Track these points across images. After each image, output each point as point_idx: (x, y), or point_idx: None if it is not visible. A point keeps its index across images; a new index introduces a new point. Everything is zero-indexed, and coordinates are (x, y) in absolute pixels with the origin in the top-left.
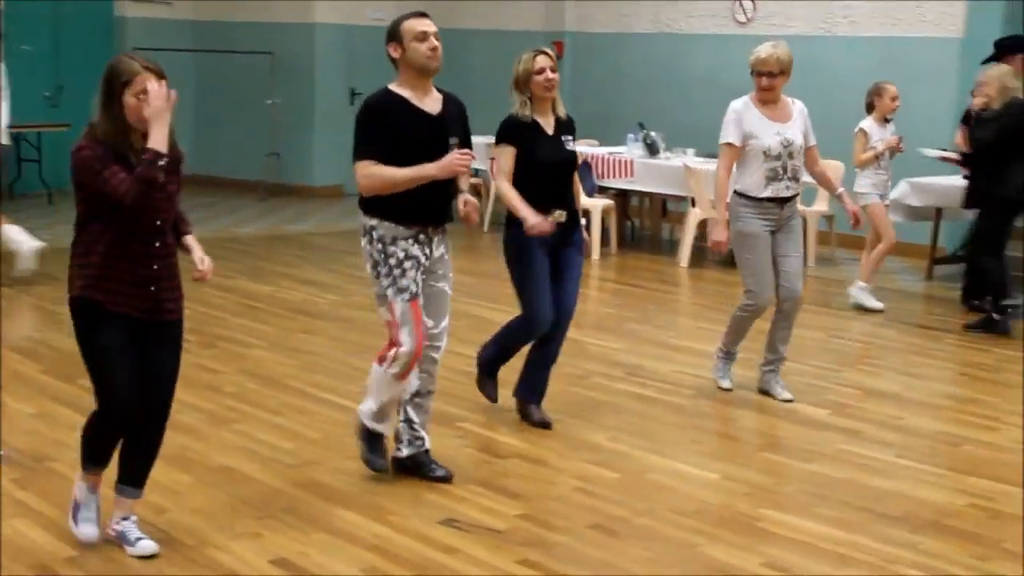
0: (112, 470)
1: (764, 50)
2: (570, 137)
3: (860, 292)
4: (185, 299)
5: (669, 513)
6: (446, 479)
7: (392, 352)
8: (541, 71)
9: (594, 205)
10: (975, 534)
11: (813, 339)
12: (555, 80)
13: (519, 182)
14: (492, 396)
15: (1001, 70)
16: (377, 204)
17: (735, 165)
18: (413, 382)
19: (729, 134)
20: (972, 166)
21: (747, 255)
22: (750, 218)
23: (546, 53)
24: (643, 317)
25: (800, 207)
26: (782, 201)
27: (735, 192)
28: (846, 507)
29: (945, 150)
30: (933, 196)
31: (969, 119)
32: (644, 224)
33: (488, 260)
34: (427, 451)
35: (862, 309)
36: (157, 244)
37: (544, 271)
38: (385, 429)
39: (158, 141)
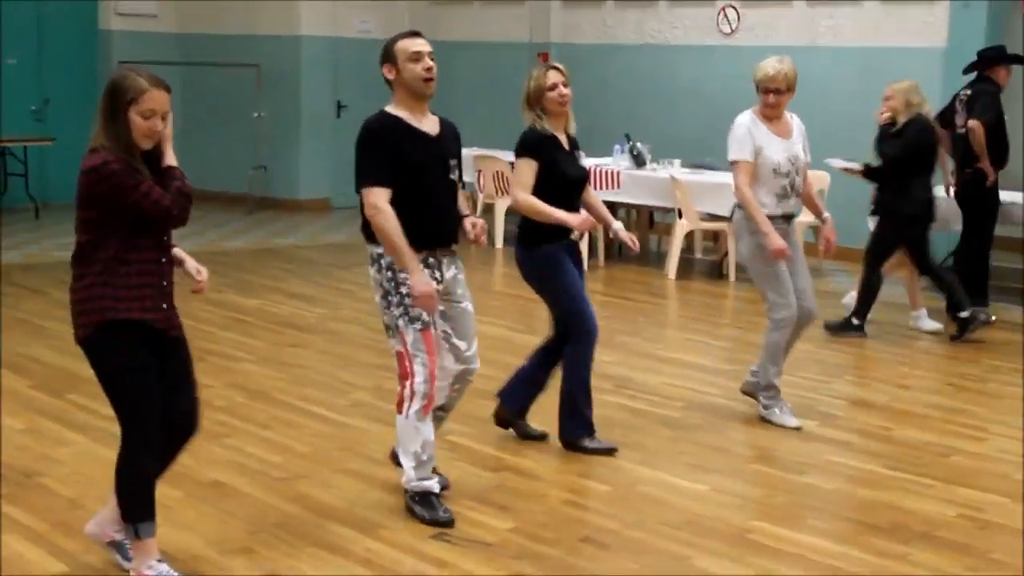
0: (106, 485)
1: (771, 66)
2: (580, 153)
3: (920, 320)
4: None
5: (660, 525)
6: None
7: (407, 389)
8: (554, 87)
9: None
10: (965, 544)
11: (801, 351)
12: (568, 95)
13: (538, 196)
14: (597, 446)
15: (906, 84)
16: None
17: None
18: (439, 396)
19: (743, 150)
20: (878, 179)
21: (765, 268)
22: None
23: (558, 69)
24: (632, 329)
25: None
26: (789, 217)
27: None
28: (836, 518)
29: (853, 160)
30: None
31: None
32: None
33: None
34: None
35: (927, 333)
36: (164, 260)
37: (579, 279)
38: (432, 483)
39: (173, 157)
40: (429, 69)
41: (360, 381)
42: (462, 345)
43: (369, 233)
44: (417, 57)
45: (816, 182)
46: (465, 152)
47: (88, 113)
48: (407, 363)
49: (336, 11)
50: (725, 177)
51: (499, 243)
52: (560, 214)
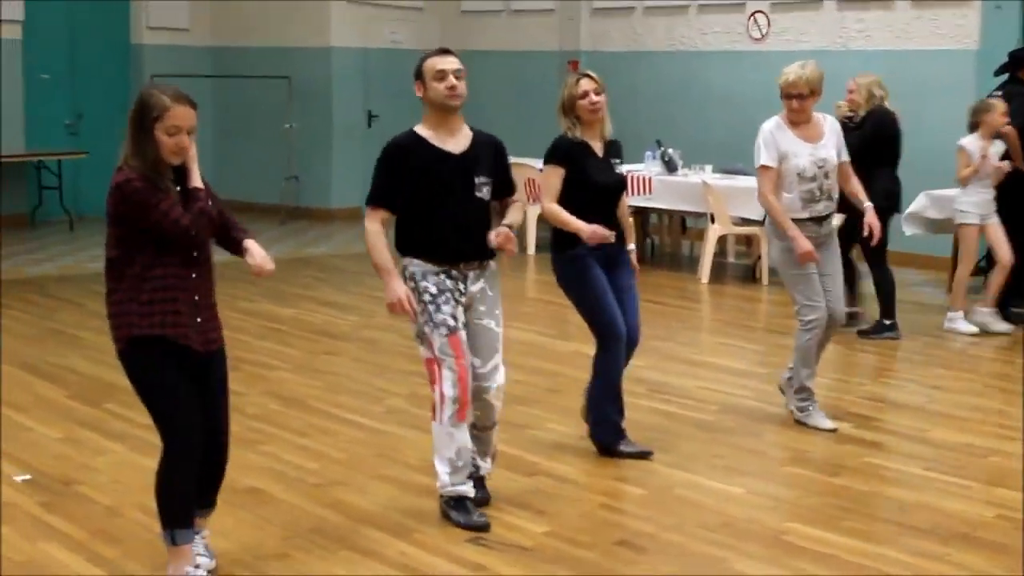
0: (143, 493)
1: (793, 72)
2: (618, 160)
3: (955, 321)
4: None
5: (695, 528)
6: (478, 503)
7: (437, 395)
8: (584, 95)
9: None
10: (1004, 545)
11: (834, 352)
12: (600, 103)
13: (567, 203)
14: (632, 450)
15: (870, 78)
16: (407, 242)
17: None
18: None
19: (765, 156)
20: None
21: (794, 271)
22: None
23: (590, 76)
24: (666, 334)
25: None
26: (821, 219)
27: None
28: (872, 520)
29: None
30: (953, 208)
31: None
32: (664, 241)
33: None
34: (478, 476)
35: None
36: (194, 275)
37: (606, 284)
38: (467, 488)
39: (198, 178)
40: (452, 88)
41: (395, 388)
42: (476, 362)
43: (397, 244)
44: (442, 76)
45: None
46: None
47: (121, 127)
48: (436, 368)
49: (367, 22)
50: (756, 182)
51: (531, 250)
52: (575, 223)
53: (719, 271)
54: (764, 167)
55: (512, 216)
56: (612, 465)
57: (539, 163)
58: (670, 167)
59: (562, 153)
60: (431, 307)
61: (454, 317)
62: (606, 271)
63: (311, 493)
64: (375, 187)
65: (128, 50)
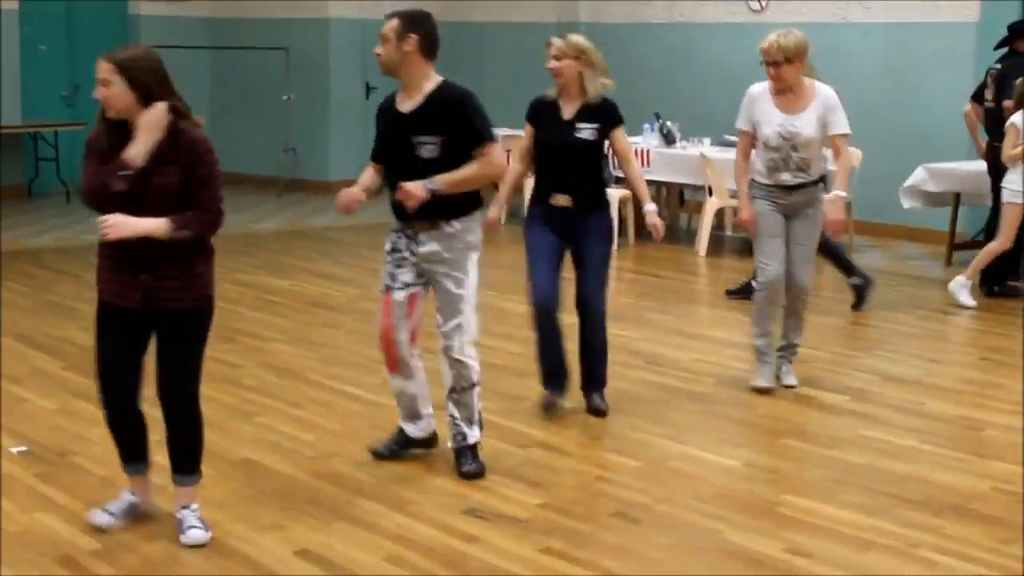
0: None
1: (768, 39)
2: (593, 125)
3: (960, 288)
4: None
5: (690, 500)
6: (468, 475)
7: None
8: (548, 60)
9: (611, 195)
10: (999, 518)
11: (832, 325)
12: (557, 68)
13: (533, 162)
14: (547, 401)
15: None
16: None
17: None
18: (445, 378)
19: (740, 120)
20: None
21: (756, 232)
22: (759, 199)
23: (554, 42)
24: (662, 306)
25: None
26: (788, 188)
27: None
28: (868, 492)
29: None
30: (951, 181)
31: None
32: (661, 214)
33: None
34: (469, 446)
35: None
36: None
37: (542, 247)
38: (411, 429)
39: (133, 147)
40: (377, 53)
41: None
42: (439, 320)
43: None
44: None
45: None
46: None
47: None
48: None
49: None
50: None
51: None
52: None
53: (716, 244)
54: (739, 130)
55: (456, 172)
56: (607, 437)
57: None
58: (668, 139)
59: (530, 110)
60: (384, 261)
61: (392, 276)
62: (574, 239)
63: (306, 464)
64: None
65: (126, 21)
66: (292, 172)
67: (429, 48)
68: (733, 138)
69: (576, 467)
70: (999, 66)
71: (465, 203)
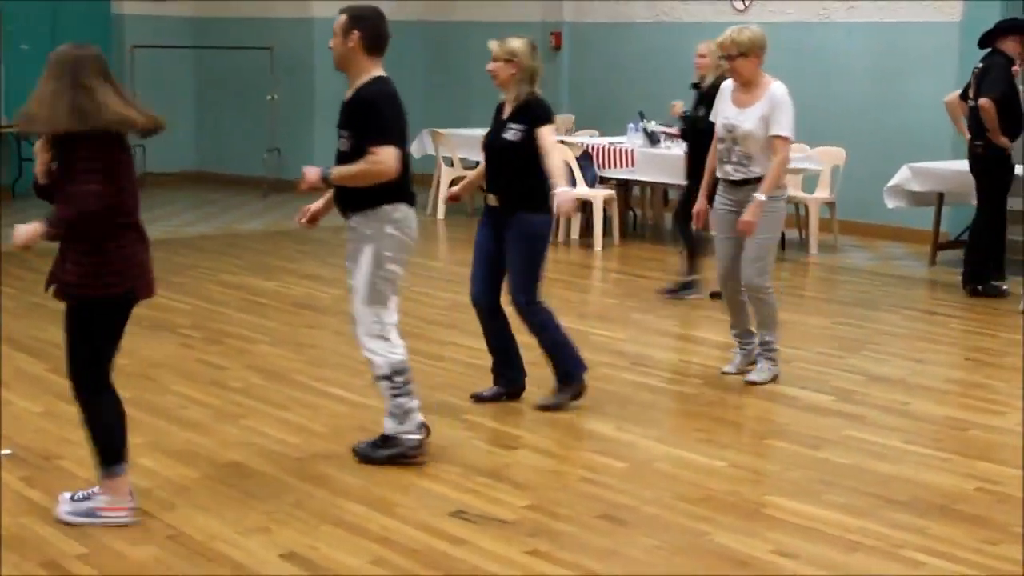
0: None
1: (724, 33)
2: (520, 125)
3: None
4: (191, 296)
5: (676, 501)
6: (355, 452)
7: None
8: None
9: (596, 195)
10: (983, 518)
11: (816, 326)
12: (491, 70)
13: None
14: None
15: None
16: None
17: None
18: None
19: (713, 112)
20: (688, 140)
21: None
22: (717, 197)
23: (491, 45)
24: (647, 307)
25: (801, 194)
26: (733, 184)
27: None
28: (853, 493)
29: (670, 125)
30: (935, 181)
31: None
32: (646, 214)
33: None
34: (381, 434)
35: None
36: None
37: (477, 246)
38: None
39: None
40: (330, 48)
41: None
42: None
43: None
44: None
45: (832, 158)
46: (477, 132)
47: None
48: None
49: None
50: None
51: None
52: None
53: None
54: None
55: (347, 167)
56: (593, 439)
57: None
58: (652, 140)
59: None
60: None
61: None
62: (499, 236)
63: (292, 467)
64: None
65: (109, 20)
66: (277, 172)
67: (372, 44)
68: None
69: (562, 469)
70: (981, 65)
71: (362, 199)
